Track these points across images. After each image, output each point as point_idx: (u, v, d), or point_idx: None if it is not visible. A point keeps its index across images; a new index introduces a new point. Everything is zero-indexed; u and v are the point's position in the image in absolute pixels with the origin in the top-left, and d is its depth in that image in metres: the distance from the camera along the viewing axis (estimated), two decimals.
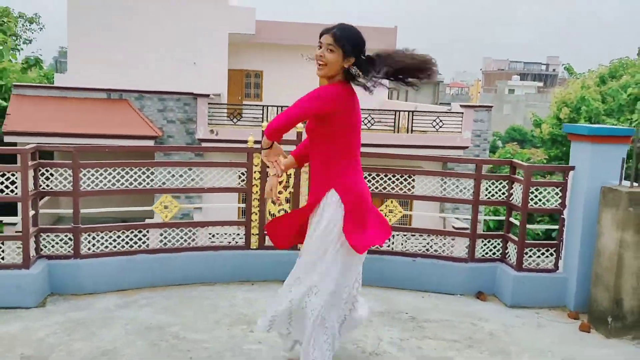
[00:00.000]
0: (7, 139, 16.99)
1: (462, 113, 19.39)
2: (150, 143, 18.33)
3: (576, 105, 25.70)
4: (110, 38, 21.00)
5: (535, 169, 5.53)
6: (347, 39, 3.34)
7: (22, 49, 27.48)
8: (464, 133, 19.31)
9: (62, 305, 4.89)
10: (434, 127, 19.08)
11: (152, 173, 5.45)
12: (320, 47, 3.34)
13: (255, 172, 5.56)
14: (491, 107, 20.83)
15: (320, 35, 3.36)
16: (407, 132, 19.35)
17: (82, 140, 17.54)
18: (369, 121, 18.79)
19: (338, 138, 3.39)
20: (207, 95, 18.78)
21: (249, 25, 23.07)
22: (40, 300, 4.89)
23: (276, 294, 3.73)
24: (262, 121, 19.03)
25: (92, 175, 5.14)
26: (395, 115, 19.39)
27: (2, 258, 4.95)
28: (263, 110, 18.97)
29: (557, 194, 5.36)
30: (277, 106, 19.50)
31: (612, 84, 25.91)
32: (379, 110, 20.29)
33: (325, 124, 3.35)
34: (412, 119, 19.42)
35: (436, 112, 20.29)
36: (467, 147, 19.44)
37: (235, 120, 18.94)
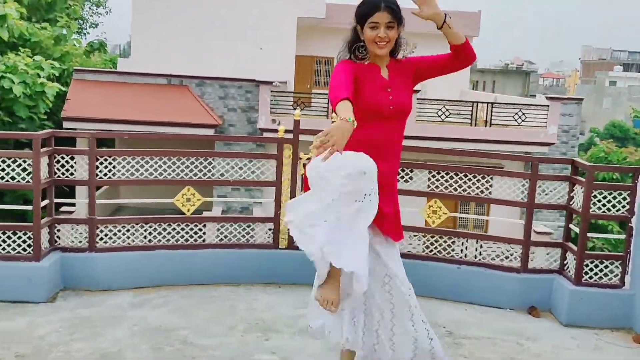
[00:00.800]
0: (65, 124, 17.53)
1: (548, 106, 18.61)
2: (210, 131, 18.52)
3: None
4: (175, 23, 21.36)
5: (601, 170, 5.14)
6: (399, 9, 3.19)
7: (88, 33, 28.42)
8: (549, 128, 18.53)
9: (72, 300, 4.91)
10: (516, 120, 18.41)
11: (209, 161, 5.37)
12: (375, 28, 3.13)
13: (285, 164, 5.42)
14: (581, 99, 19.95)
15: (367, 15, 3.12)
16: (486, 126, 18.77)
17: (139, 128, 17.93)
18: (442, 113, 18.35)
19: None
20: (270, 83, 18.80)
21: (318, 8, 22.96)
22: (51, 295, 4.92)
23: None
24: (327, 111, 18.91)
25: (129, 163, 5.13)
26: (472, 106, 18.84)
27: (14, 249, 5.00)
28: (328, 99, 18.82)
29: (624, 199, 4.97)
30: None
31: None
32: (453, 101, 19.76)
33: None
34: (492, 112, 18.82)
35: (518, 104, 19.56)
36: (552, 144, 18.66)
37: (300, 109, 18.88)
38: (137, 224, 5.33)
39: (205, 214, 9.01)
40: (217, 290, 5.31)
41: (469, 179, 5.42)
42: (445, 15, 3.15)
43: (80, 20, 27.09)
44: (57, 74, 17.62)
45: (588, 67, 76.59)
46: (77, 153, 5.06)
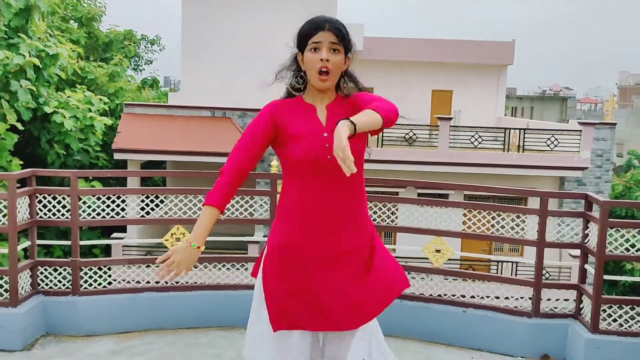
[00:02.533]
0: (116, 156, 17.39)
1: (581, 131, 17.56)
2: None
3: None
4: (219, 60, 21.14)
5: (616, 205, 4.36)
6: (347, 33, 2.51)
7: (143, 69, 28.50)
8: (582, 152, 17.47)
9: (51, 349, 4.36)
10: (549, 145, 17.41)
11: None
12: (317, 50, 2.44)
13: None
14: (615, 124, 18.80)
15: (308, 35, 2.45)
16: (519, 151, 17.80)
17: (185, 158, 17.66)
18: (475, 139, 17.50)
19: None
20: None
21: (357, 41, 22.32)
22: (29, 342, 4.37)
23: None
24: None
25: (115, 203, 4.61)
26: (505, 132, 17.92)
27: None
28: None
29: None
30: None
31: None
32: (484, 127, 18.87)
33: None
34: (524, 137, 17.86)
35: (551, 129, 18.54)
36: (586, 168, 17.59)
37: None
38: (123, 265, 4.77)
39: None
40: (207, 335, 4.68)
41: (479, 215, 4.67)
42: (353, 122, 2.20)
43: (136, 58, 27.19)
44: (108, 108, 17.52)
45: (625, 91, 73.74)
46: (59, 192, 4.53)
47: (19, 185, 4.28)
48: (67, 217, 4.55)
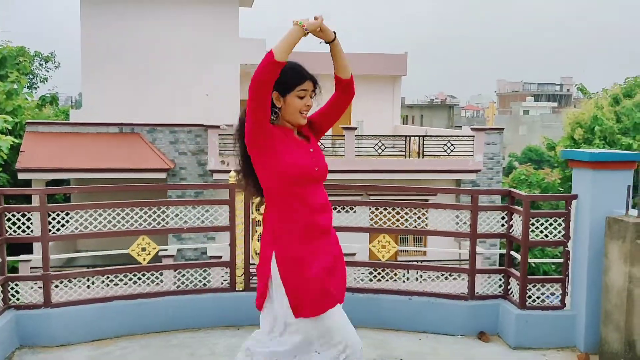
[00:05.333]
0: (20, 175, 16.84)
1: (474, 136, 18.88)
2: (163, 175, 18.10)
3: (590, 126, 25.06)
4: (123, 73, 20.86)
5: (535, 199, 5.06)
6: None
7: (38, 87, 27.52)
8: (475, 156, 18.77)
9: (28, 359, 4.49)
10: (446, 151, 18.60)
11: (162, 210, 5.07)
12: (302, 97, 2.93)
13: (237, 209, 5.16)
14: (502, 129, 20.29)
15: (297, 83, 2.90)
16: (419, 157, 18.88)
17: (93, 175, 17.39)
18: (379, 147, 18.38)
19: None
20: (218, 127, 18.53)
21: (259, 56, 22.70)
22: (7, 356, 4.48)
23: None
24: None
25: (85, 218, 4.78)
26: (405, 140, 18.94)
27: None
28: None
29: (560, 224, 4.88)
30: None
31: (627, 102, 25.25)
32: (387, 136, 19.87)
33: None
34: (424, 144, 18.97)
35: (447, 136, 19.80)
36: (479, 170, 18.90)
37: None
38: (92, 277, 4.96)
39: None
40: (177, 337, 4.96)
41: (406, 213, 5.26)
42: (335, 33, 2.90)
43: (30, 75, 26.22)
44: (9, 127, 16.91)
45: (503, 98, 78.68)
46: (28, 210, 4.68)
47: None
48: (36, 234, 4.70)
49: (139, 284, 5.12)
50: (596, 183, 4.58)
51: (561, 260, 4.93)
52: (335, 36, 2.90)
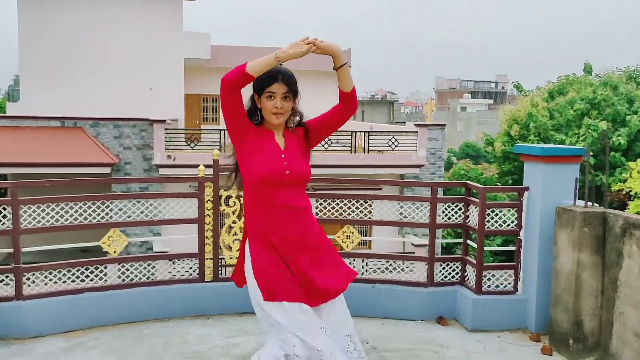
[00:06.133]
0: None
1: (417, 132, 19.40)
2: (107, 170, 17.88)
3: (525, 122, 26.01)
4: (64, 65, 20.44)
5: (490, 191, 5.40)
6: (295, 83, 3.15)
7: None
8: (419, 151, 19.30)
9: (2, 351, 4.52)
10: (390, 146, 19.05)
11: (107, 205, 5.14)
12: (272, 98, 3.09)
13: (207, 201, 5.30)
14: (444, 125, 20.91)
15: (265, 85, 3.07)
16: (364, 152, 19.26)
17: (34, 170, 17.01)
18: (325, 142, 18.65)
19: None
20: (164, 121, 18.41)
21: (204, 50, 22.79)
22: None
23: None
24: (220, 145, 18.72)
25: (34, 211, 4.82)
26: (351, 135, 19.29)
27: None
28: (220, 134, 18.69)
29: (512, 214, 5.24)
30: None
31: (560, 100, 26.34)
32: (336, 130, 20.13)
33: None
34: (369, 139, 19.36)
35: (391, 131, 20.27)
36: (422, 165, 19.43)
37: (192, 145, 18.58)
38: (63, 269, 5.01)
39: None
40: (148, 327, 5.07)
41: (353, 204, 5.54)
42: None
43: None
44: None
45: (441, 95, 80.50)
46: (0, 203, 4.69)
47: None
48: (8, 226, 4.72)
49: (82, 279, 5.17)
50: (547, 176, 4.95)
51: (513, 248, 5.29)
52: (342, 64, 3.06)
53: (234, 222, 5.37)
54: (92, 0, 20.64)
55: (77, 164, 17.34)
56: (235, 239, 5.37)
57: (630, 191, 12.85)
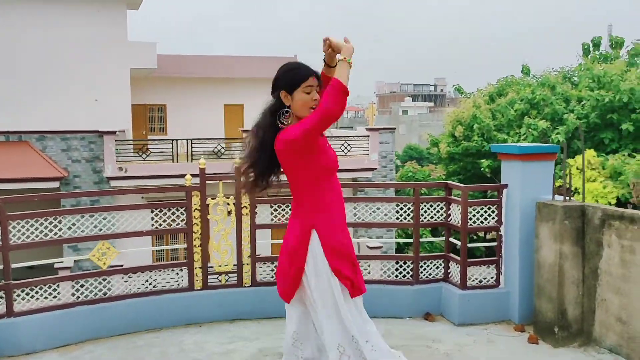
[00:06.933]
0: None
1: (369, 136, 19.70)
2: (56, 184, 17.47)
3: (469, 123, 26.74)
4: (5, 78, 19.87)
5: (472, 189, 5.61)
6: None
7: None
8: (371, 155, 19.62)
9: None
10: (343, 151, 19.27)
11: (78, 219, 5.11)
12: (310, 91, 3.11)
13: (194, 210, 5.32)
14: (394, 129, 21.33)
15: (303, 79, 3.10)
16: None
17: None
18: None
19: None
20: (114, 133, 18.13)
21: (150, 59, 22.55)
22: None
23: None
24: (171, 155, 18.55)
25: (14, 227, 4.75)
26: None
27: None
28: (172, 144, 18.53)
29: (493, 212, 5.46)
30: (186, 139, 19.10)
31: (501, 101, 27.19)
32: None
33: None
34: None
35: (344, 136, 20.53)
36: (375, 169, 19.75)
37: (144, 155, 18.35)
38: (53, 284, 4.95)
39: None
40: (142, 338, 5.05)
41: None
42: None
43: None
44: None
45: (383, 99, 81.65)
46: None
47: None
48: None
49: (100, 289, 5.15)
50: (525, 173, 5.19)
51: (494, 244, 5.51)
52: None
53: (222, 230, 5.41)
54: (33, 11, 20.16)
55: (24, 179, 16.91)
56: (224, 248, 5.41)
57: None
